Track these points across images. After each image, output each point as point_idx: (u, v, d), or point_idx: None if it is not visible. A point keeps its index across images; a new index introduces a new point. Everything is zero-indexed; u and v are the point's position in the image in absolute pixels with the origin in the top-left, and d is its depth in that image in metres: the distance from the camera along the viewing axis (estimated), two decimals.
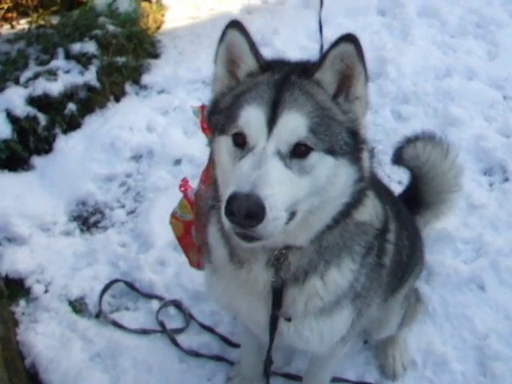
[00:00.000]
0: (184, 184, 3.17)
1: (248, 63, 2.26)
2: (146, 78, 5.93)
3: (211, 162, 2.50)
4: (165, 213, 3.45)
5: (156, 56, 6.30)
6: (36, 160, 5.11)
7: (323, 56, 2.17)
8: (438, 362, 3.65)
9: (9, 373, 3.36)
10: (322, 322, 2.53)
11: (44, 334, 3.89)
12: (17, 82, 5.26)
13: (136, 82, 5.88)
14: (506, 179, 4.67)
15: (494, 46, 5.83)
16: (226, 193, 1.96)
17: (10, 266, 4.25)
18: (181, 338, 3.78)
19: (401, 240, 2.92)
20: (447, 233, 4.24)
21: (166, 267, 4.16)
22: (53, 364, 3.71)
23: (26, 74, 5.31)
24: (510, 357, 3.64)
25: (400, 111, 5.25)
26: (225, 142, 2.16)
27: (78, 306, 4.08)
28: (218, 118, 2.25)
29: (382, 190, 2.81)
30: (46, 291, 4.16)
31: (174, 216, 3.24)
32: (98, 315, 3.97)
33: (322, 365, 3.16)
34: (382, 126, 5.16)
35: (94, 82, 5.47)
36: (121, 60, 5.75)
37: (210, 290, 2.80)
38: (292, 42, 6.00)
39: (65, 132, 5.28)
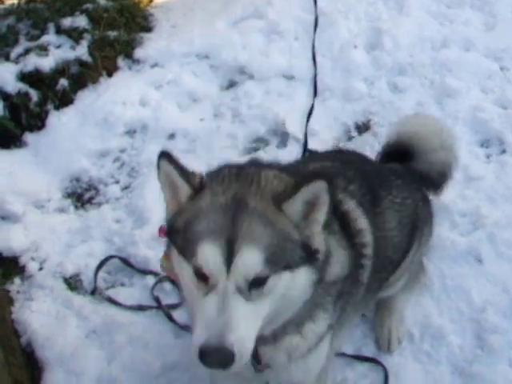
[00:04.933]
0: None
1: (183, 189, 2.23)
2: (138, 52, 5.81)
3: None
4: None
5: (149, 30, 6.17)
6: (29, 137, 5.05)
7: (295, 190, 2.14)
8: (436, 335, 3.64)
9: (5, 352, 3.36)
10: (302, 362, 2.59)
11: (39, 312, 3.87)
12: (7, 58, 5.18)
13: (128, 56, 5.76)
14: (503, 151, 4.59)
15: (491, 16, 5.70)
16: (195, 334, 2.06)
17: (4, 243, 4.22)
18: (176, 314, 3.74)
19: (384, 239, 2.93)
20: (444, 205, 4.18)
21: (161, 242, 4.09)
22: (49, 342, 3.71)
23: (17, 50, 5.23)
24: (508, 329, 3.62)
25: (396, 83, 5.17)
26: (187, 269, 2.15)
27: (73, 283, 4.06)
28: (176, 239, 2.24)
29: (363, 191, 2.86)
30: (41, 269, 4.13)
31: (161, 266, 3.09)
32: (94, 292, 3.95)
33: None
34: (378, 97, 5.08)
35: (86, 57, 5.37)
36: (113, 34, 5.65)
37: None
38: (286, 14, 5.86)
39: (57, 108, 5.19)
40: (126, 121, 5.07)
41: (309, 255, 2.18)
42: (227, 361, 2.01)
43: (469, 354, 3.57)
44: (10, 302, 3.97)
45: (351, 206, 2.70)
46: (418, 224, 3.33)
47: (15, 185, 4.56)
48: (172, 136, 4.96)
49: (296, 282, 2.16)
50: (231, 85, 5.38)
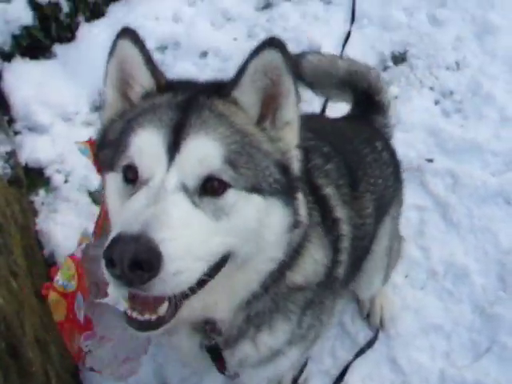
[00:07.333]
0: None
1: (143, 82, 1.85)
2: None
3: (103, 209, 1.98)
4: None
5: None
6: (58, 48, 4.94)
7: (241, 69, 1.72)
8: (459, 273, 3.66)
9: (28, 262, 3.35)
10: (262, 369, 2.24)
11: (63, 224, 3.88)
12: None
13: None
14: None
15: None
16: (108, 238, 1.50)
17: (30, 154, 4.20)
18: None
19: (361, 225, 2.51)
20: (477, 144, 4.13)
21: None
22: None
23: None
24: None
25: (436, 15, 4.98)
26: (113, 180, 1.73)
27: (97, 197, 4.05)
28: (106, 153, 1.80)
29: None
30: (66, 181, 4.14)
31: (52, 287, 2.48)
32: None
33: None
34: (416, 29, 4.92)
35: None
36: None
37: None
38: None
39: (88, 20, 5.07)
40: (157, 36, 4.94)
41: (288, 182, 1.78)
42: (147, 259, 1.40)
43: (491, 295, 3.58)
44: (34, 213, 3.97)
45: (329, 191, 2.27)
46: (387, 207, 2.91)
47: (43, 96, 4.50)
48: (204, 54, 4.87)
49: (270, 215, 1.73)
50: (267, 5, 5.22)
